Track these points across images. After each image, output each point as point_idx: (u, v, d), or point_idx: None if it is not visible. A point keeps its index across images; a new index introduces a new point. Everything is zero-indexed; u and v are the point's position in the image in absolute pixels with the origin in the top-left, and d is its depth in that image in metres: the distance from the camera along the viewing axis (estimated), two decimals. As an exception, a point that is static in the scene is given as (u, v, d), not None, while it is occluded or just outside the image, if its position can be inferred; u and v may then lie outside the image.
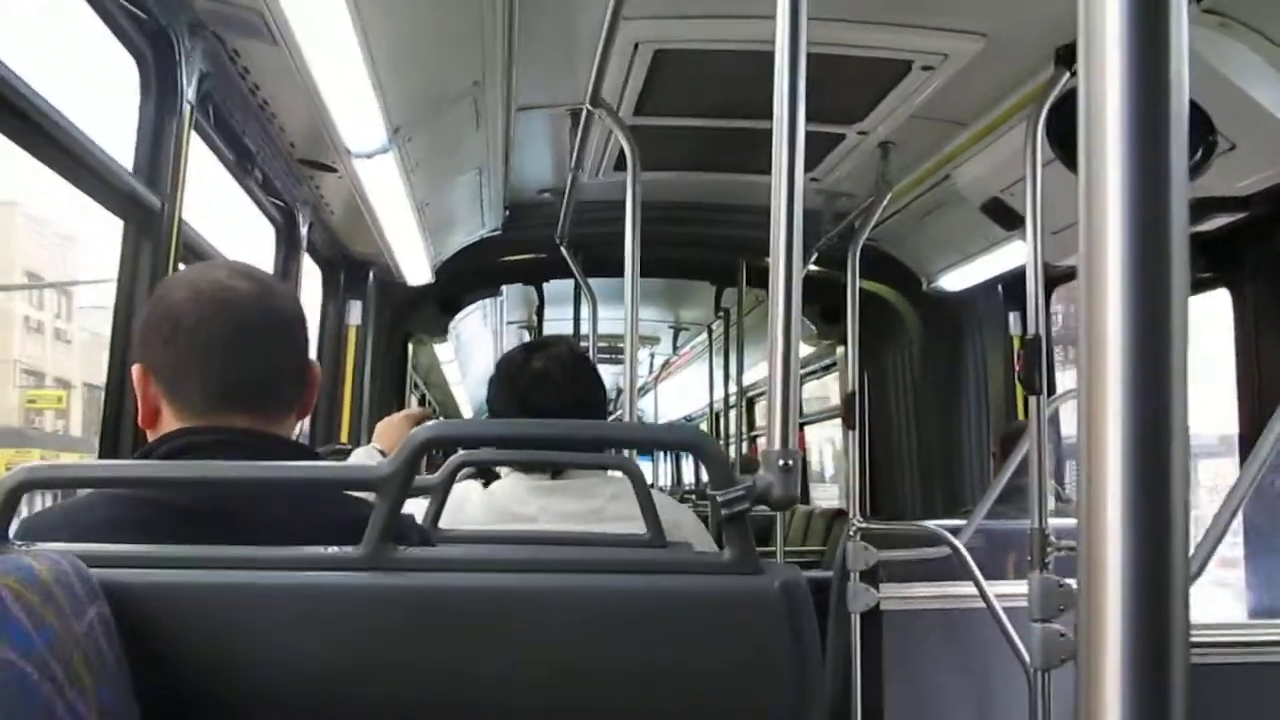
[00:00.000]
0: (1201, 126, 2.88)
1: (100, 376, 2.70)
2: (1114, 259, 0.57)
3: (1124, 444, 0.57)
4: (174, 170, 2.67)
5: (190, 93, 2.68)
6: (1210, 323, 3.95)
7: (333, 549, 1.37)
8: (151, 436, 1.65)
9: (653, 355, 11.50)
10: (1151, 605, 0.56)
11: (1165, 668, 0.57)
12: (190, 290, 1.64)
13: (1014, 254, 4.66)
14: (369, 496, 1.41)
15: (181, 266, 2.76)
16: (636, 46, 3.40)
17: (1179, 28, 0.59)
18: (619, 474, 2.33)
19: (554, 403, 2.48)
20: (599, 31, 2.87)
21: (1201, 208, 3.46)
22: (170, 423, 1.63)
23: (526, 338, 8.94)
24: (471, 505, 2.44)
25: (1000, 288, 5.40)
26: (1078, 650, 0.59)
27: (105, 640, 1.24)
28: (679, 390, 13.11)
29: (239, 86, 3.10)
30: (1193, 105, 2.58)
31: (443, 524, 2.24)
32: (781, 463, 1.35)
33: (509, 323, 8.84)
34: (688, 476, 13.11)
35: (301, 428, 4.29)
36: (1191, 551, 2.58)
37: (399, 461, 1.34)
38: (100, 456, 2.57)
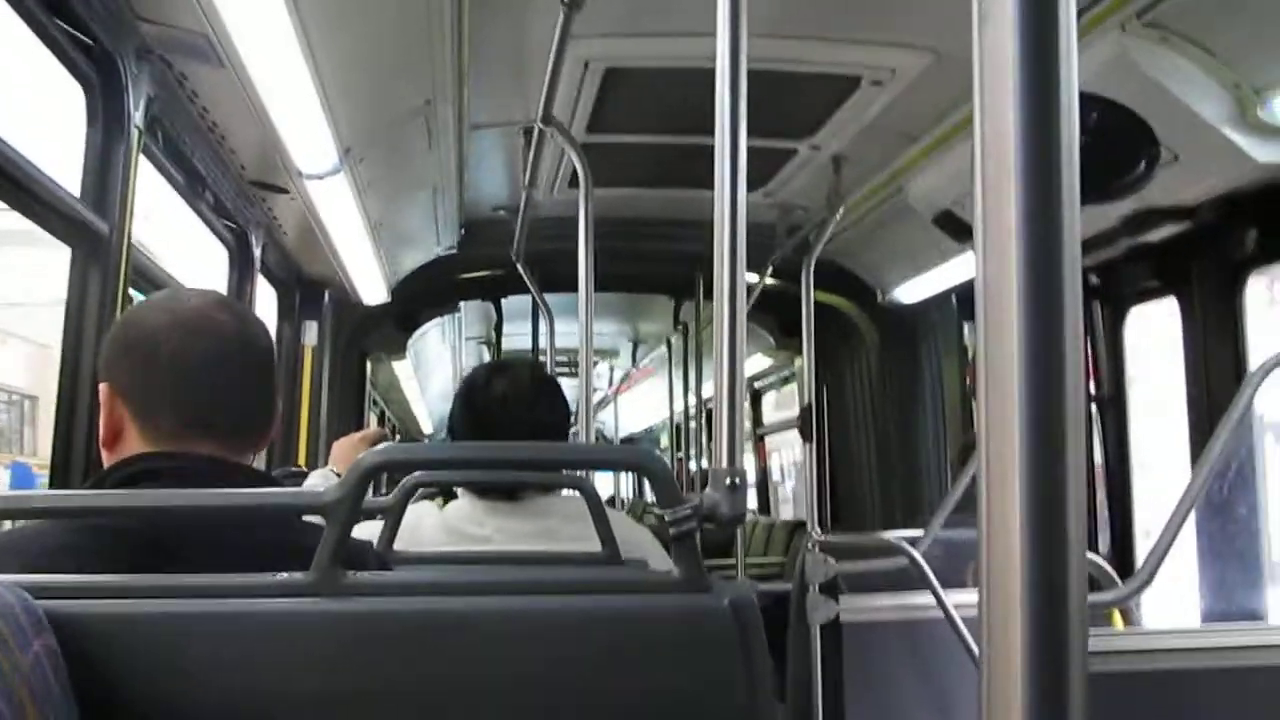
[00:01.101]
0: (1144, 138, 2.93)
1: None
2: (1010, 274, 0.59)
3: (1020, 456, 0.59)
4: (122, 195, 2.65)
5: (138, 117, 2.67)
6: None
7: (282, 575, 1.36)
8: (110, 458, 1.64)
9: (612, 368, 11.52)
10: (1049, 620, 0.58)
11: (1063, 678, 0.58)
12: (171, 316, 1.64)
13: (967, 266, 4.70)
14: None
15: (133, 292, 2.75)
16: (587, 65, 3.42)
17: (1069, 46, 0.60)
18: (575, 492, 2.33)
19: (515, 425, 2.49)
20: (549, 50, 2.88)
21: (1148, 218, 3.51)
22: (135, 445, 1.62)
23: (485, 353, 8.94)
24: (426, 527, 2.44)
25: (954, 299, 5.44)
26: (981, 659, 0.60)
27: (52, 672, 1.23)
28: (639, 402, 13.13)
29: (188, 110, 3.08)
30: (1134, 117, 2.64)
31: (398, 545, 2.24)
32: (728, 480, 1.37)
33: (468, 339, 8.83)
34: (650, 491, 13.11)
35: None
36: (1142, 559, 2.61)
37: (347, 486, 1.34)
38: (51, 483, 2.55)
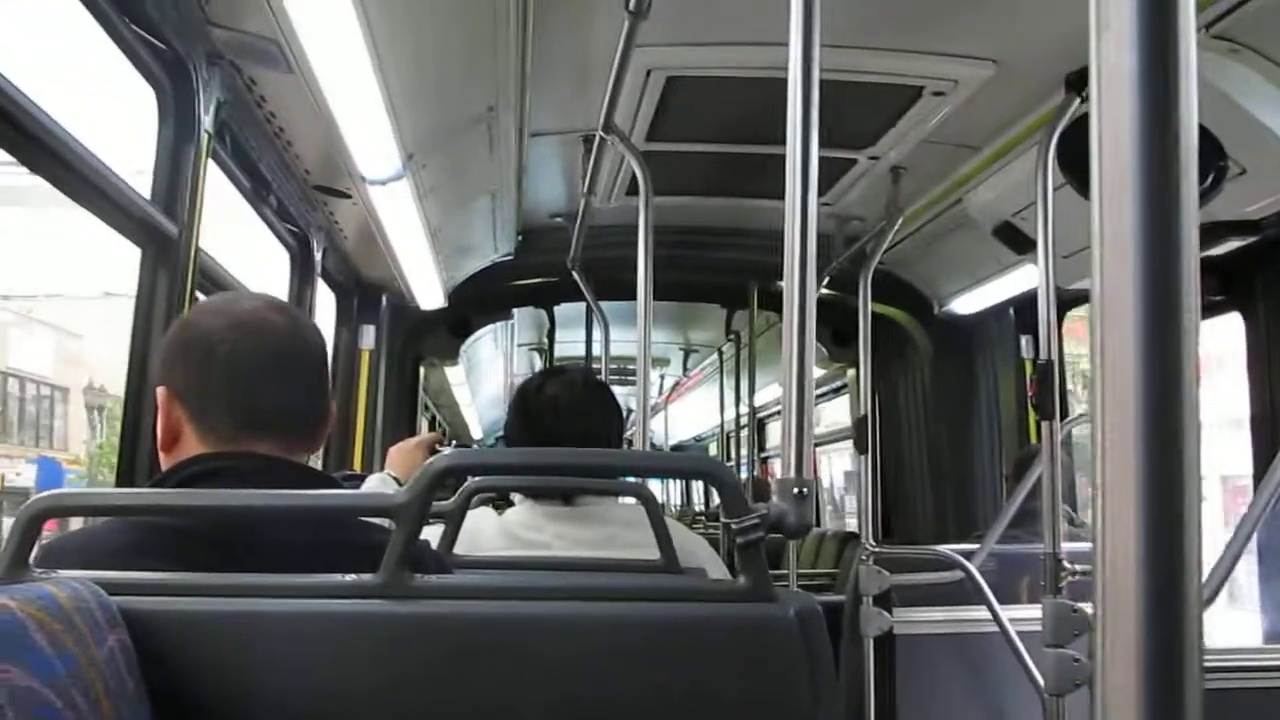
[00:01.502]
0: (1211, 151, 2.89)
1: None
2: (1128, 284, 0.58)
3: (1139, 468, 0.58)
4: (191, 198, 2.69)
5: (207, 121, 2.71)
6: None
7: (350, 576, 1.38)
8: (168, 461, 1.66)
9: (663, 376, 11.52)
10: (1166, 630, 0.57)
11: (1179, 693, 0.57)
12: (226, 318, 1.67)
13: (1025, 278, 4.67)
14: (385, 522, 1.42)
15: (199, 294, 2.78)
16: (649, 73, 3.43)
17: (1188, 57, 0.60)
18: (633, 499, 2.34)
19: (568, 431, 2.50)
20: (612, 58, 2.90)
21: (1212, 231, 3.47)
22: (192, 447, 1.64)
23: (537, 360, 8.97)
24: (485, 532, 2.45)
25: (1012, 311, 5.40)
26: (1094, 676, 0.60)
27: (125, 668, 1.25)
28: (689, 411, 13.12)
29: (255, 115, 3.12)
30: (1202, 130, 2.59)
31: (457, 550, 2.26)
32: (796, 490, 1.36)
33: (520, 345, 8.86)
34: (697, 499, 13.10)
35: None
36: (1205, 576, 2.58)
37: (416, 490, 1.36)
38: (117, 481, 2.59)
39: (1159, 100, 0.57)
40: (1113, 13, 0.57)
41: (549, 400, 2.56)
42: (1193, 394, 0.58)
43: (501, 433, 2.74)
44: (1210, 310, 4.05)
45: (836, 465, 9.95)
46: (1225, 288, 3.85)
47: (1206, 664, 1.92)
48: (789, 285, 1.44)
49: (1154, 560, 0.57)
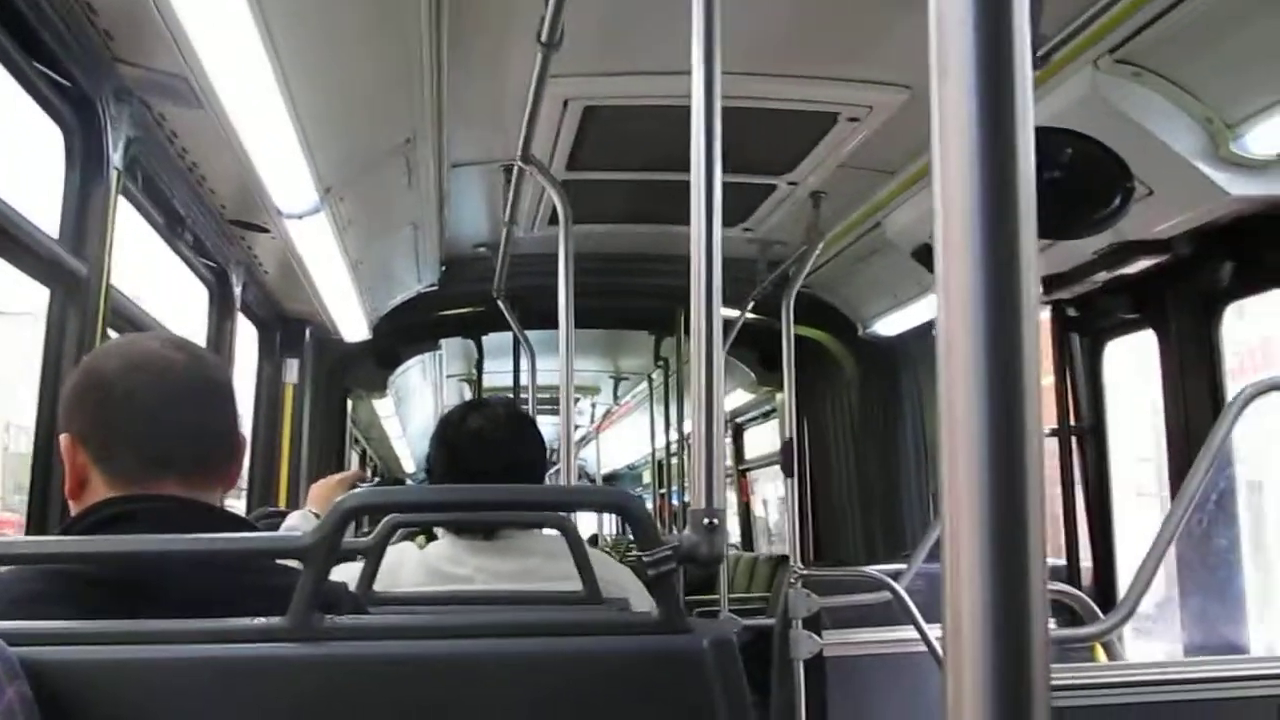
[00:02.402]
0: (1118, 173, 2.94)
1: None
2: (968, 318, 0.60)
3: (981, 479, 0.59)
4: (101, 236, 2.65)
5: (117, 159, 2.67)
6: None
7: (259, 620, 1.36)
8: (76, 507, 1.63)
9: (594, 405, 11.52)
10: (1012, 651, 0.58)
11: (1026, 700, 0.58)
12: (122, 360, 1.65)
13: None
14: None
15: (111, 332, 2.74)
16: (566, 103, 3.44)
17: (1024, 100, 0.61)
18: (555, 531, 2.33)
19: (491, 463, 2.49)
20: (528, 89, 2.90)
21: (1123, 251, 3.53)
22: (100, 491, 1.61)
23: (467, 391, 8.93)
24: (406, 566, 2.43)
25: (934, 331, 5.45)
26: (942, 680, 0.61)
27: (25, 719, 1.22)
28: (621, 439, 13.12)
29: (167, 151, 3.09)
30: (1109, 152, 2.65)
31: (379, 586, 2.23)
32: (706, 521, 1.37)
33: (449, 376, 8.82)
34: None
35: (237, 488, 4.24)
36: (1124, 592, 2.61)
37: (324, 530, 1.34)
38: (28, 529, 2.53)
39: (995, 146, 0.59)
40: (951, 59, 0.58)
41: (472, 433, 2.55)
42: (1034, 420, 0.59)
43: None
44: (1124, 328, 4.13)
45: (770, 491, 9.97)
46: (1138, 306, 3.92)
47: (1123, 679, 1.95)
48: (696, 311, 1.45)
49: (997, 585, 0.58)
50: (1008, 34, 0.58)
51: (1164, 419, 3.78)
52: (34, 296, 2.56)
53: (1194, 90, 2.97)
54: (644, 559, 1.36)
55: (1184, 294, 3.67)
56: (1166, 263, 3.56)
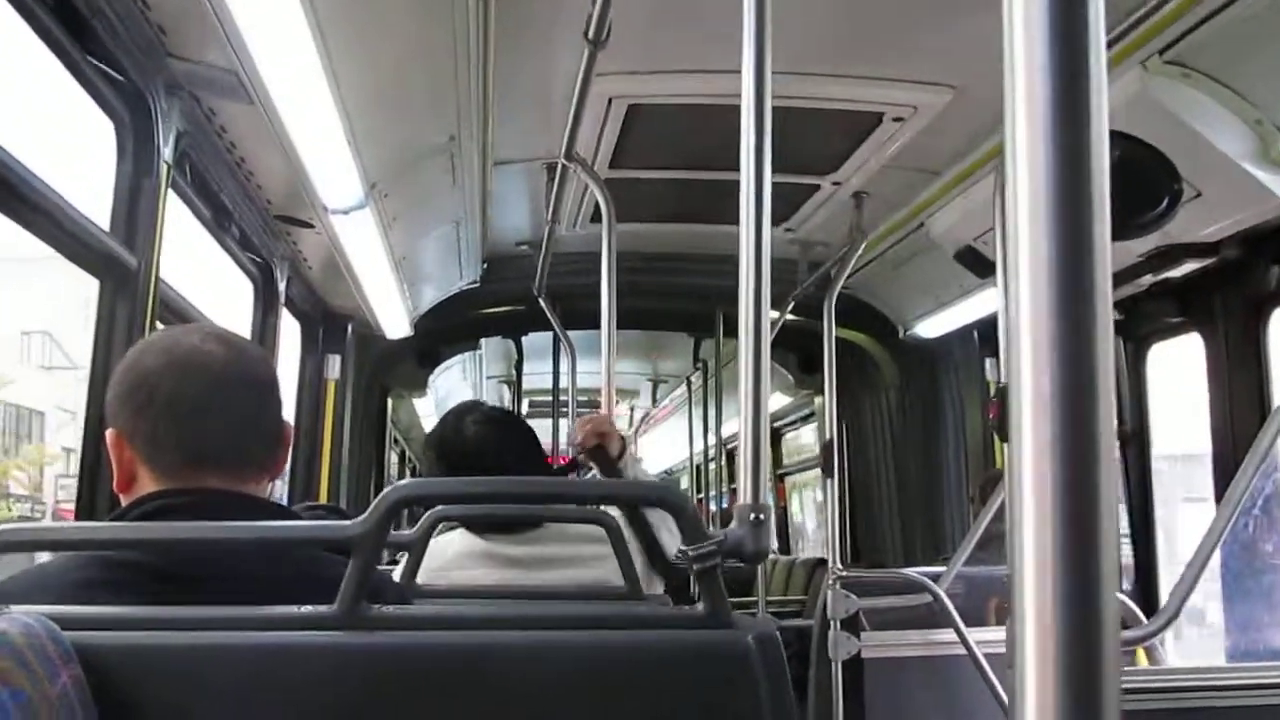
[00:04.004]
0: (1167, 175, 2.93)
1: None
2: (1042, 316, 0.59)
3: (1054, 490, 0.59)
4: (151, 229, 2.67)
5: (167, 152, 2.70)
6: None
7: (307, 608, 1.37)
8: (126, 500, 1.65)
9: (632, 408, 11.49)
10: (1082, 651, 0.58)
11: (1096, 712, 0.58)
12: (164, 356, 1.66)
13: (988, 301, 4.70)
14: None
15: (159, 325, 2.77)
16: (610, 102, 3.44)
17: (1099, 90, 0.61)
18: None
19: (486, 466, 2.54)
20: (573, 87, 2.91)
21: (1169, 254, 3.50)
22: (147, 485, 1.64)
23: (506, 392, 8.94)
24: (455, 543, 2.45)
25: (976, 334, 5.43)
26: (1012, 689, 0.60)
27: (79, 703, 1.24)
28: (659, 443, 13.10)
29: (216, 145, 3.11)
30: (1158, 154, 2.64)
31: (428, 566, 2.25)
32: (752, 516, 1.37)
33: (489, 377, 8.83)
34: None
35: (277, 484, 4.28)
36: (1167, 595, 2.59)
37: (372, 520, 1.35)
38: (76, 516, 2.56)
39: (1070, 132, 0.58)
40: (1022, 43, 0.58)
41: (469, 438, 2.60)
42: (1108, 421, 0.58)
43: None
44: (1170, 332, 4.09)
45: (806, 495, 9.95)
46: (1184, 309, 3.88)
47: (1167, 684, 1.94)
48: (745, 311, 1.45)
49: (1069, 583, 0.58)
50: (1082, 29, 0.57)
51: (1209, 423, 3.74)
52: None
53: (1244, 92, 2.95)
54: (689, 553, 1.36)
55: (1231, 297, 3.64)
56: (1214, 266, 3.53)
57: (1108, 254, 0.58)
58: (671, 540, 2.34)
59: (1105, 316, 0.58)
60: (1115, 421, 0.59)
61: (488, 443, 2.60)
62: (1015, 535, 0.60)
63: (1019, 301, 0.59)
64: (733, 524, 1.39)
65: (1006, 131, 0.59)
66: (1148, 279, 3.73)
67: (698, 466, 9.46)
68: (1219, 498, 3.65)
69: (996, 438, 5.16)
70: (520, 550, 2.45)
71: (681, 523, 1.40)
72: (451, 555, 2.43)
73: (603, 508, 2.34)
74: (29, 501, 26.40)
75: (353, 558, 1.35)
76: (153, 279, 2.69)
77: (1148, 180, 2.98)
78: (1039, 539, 0.58)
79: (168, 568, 1.52)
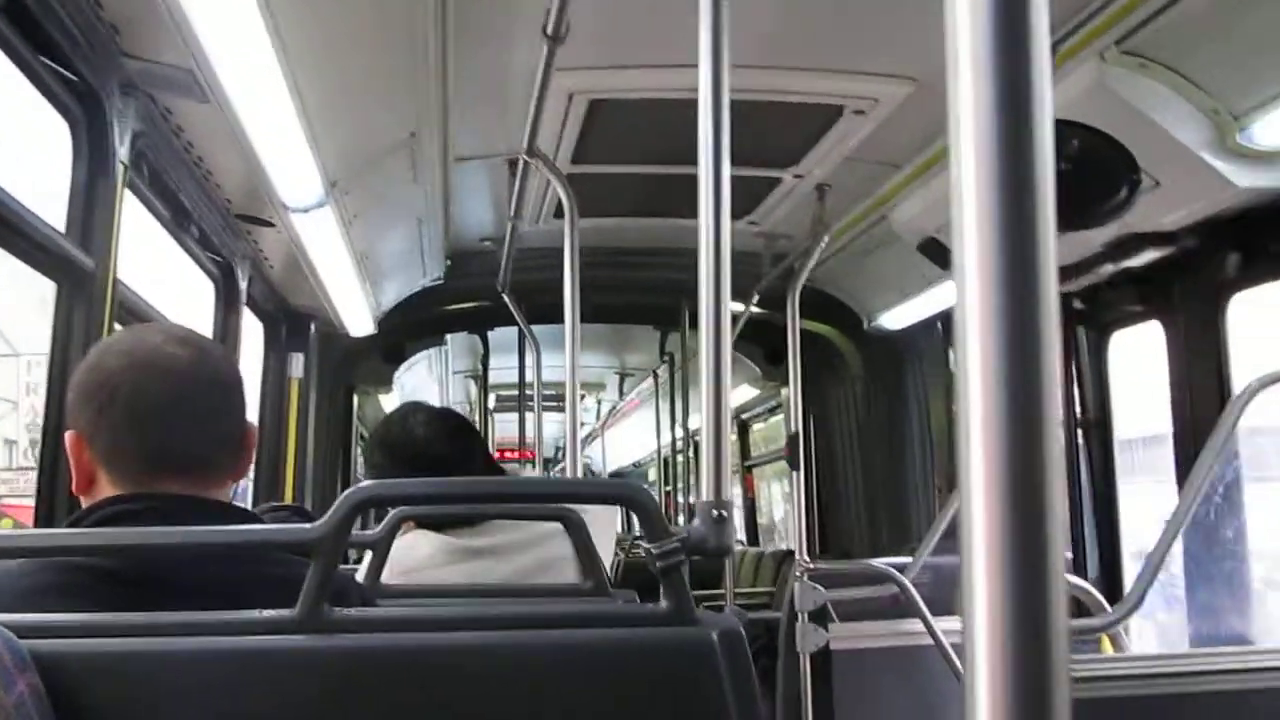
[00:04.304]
0: (1125, 164, 2.94)
1: None
2: (986, 306, 0.60)
3: (998, 486, 0.59)
4: (108, 230, 2.65)
5: (123, 153, 2.67)
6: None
7: (268, 612, 1.36)
8: (86, 502, 1.63)
9: (599, 402, 11.51)
10: (1032, 642, 0.58)
11: (1047, 703, 0.58)
12: (126, 358, 1.64)
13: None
14: None
15: (118, 326, 2.74)
16: (571, 97, 3.43)
17: (1042, 83, 0.61)
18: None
19: (434, 464, 2.58)
20: (533, 82, 2.90)
21: (1129, 244, 3.53)
22: (105, 489, 1.61)
23: (473, 387, 8.93)
24: (422, 545, 2.45)
25: (940, 325, 5.46)
26: (965, 680, 0.61)
27: (36, 712, 1.23)
28: (627, 436, 13.12)
29: (173, 145, 3.09)
30: (1115, 144, 2.65)
31: (399, 571, 2.25)
32: (715, 513, 1.37)
33: (455, 372, 8.82)
34: (637, 525, 13.10)
35: (241, 484, 4.25)
36: (1130, 583, 2.61)
37: (332, 522, 1.34)
38: (35, 523, 2.54)
39: (1014, 130, 0.58)
40: (967, 35, 0.58)
41: (423, 439, 2.66)
42: (1054, 410, 0.59)
43: None
44: (1130, 320, 4.12)
45: (774, 486, 9.98)
46: (1144, 298, 3.91)
47: (1130, 671, 1.95)
48: (705, 305, 1.45)
49: (1018, 578, 0.58)
50: (1024, 19, 0.57)
51: (1170, 410, 3.77)
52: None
53: (1200, 82, 2.97)
54: (652, 550, 1.36)
55: (1190, 286, 3.67)
56: (1173, 254, 3.55)
57: (1052, 243, 0.58)
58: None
59: (1050, 304, 0.59)
60: (1060, 408, 0.60)
61: (437, 442, 2.63)
62: (965, 522, 0.60)
63: (966, 291, 0.59)
64: (695, 520, 1.39)
65: (950, 123, 0.59)
66: (1108, 268, 3.76)
67: (665, 459, 9.47)
68: (1180, 484, 3.69)
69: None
70: (484, 541, 2.46)
71: (644, 520, 1.40)
72: (422, 556, 2.42)
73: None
74: (-50, 497, 25.39)
75: (314, 560, 1.34)
76: (110, 281, 2.67)
77: (1106, 170, 3.00)
78: (988, 524, 0.58)
79: (125, 572, 1.50)
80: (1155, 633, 4.33)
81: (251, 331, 4.72)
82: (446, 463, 2.54)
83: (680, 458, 8.42)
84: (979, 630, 0.58)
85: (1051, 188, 0.58)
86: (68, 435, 1.63)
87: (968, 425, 0.59)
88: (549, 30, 2.61)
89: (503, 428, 9.29)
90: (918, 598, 3.34)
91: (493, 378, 7.36)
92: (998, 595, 0.58)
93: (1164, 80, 2.97)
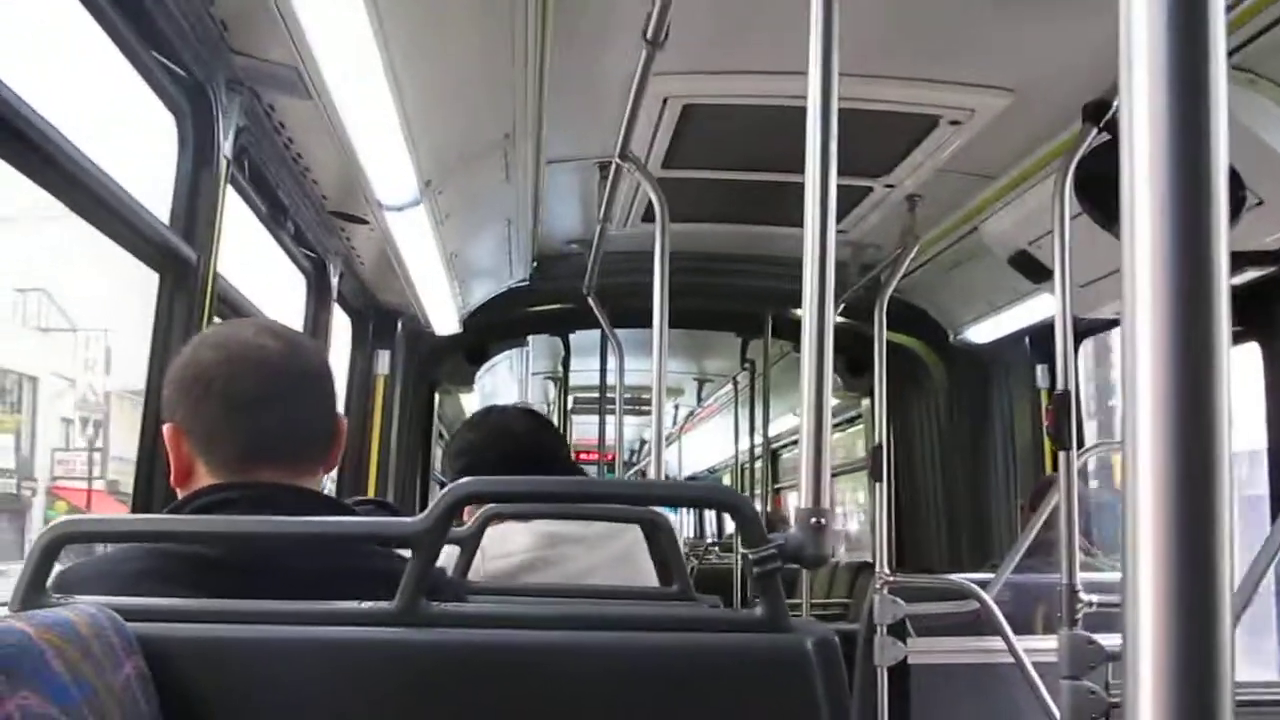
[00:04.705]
0: (1231, 182, 2.88)
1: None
2: (1156, 315, 0.59)
3: (1166, 501, 0.58)
4: (210, 223, 2.70)
5: (227, 147, 2.72)
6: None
7: (367, 604, 1.37)
8: (183, 493, 1.67)
9: (677, 407, 11.50)
10: (1195, 664, 0.57)
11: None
12: (220, 351, 1.68)
13: (1041, 307, 4.66)
14: None
15: (216, 319, 2.79)
16: (665, 101, 3.43)
17: (1218, 86, 0.60)
18: None
19: (547, 461, 2.67)
20: (629, 86, 2.91)
21: (1231, 262, 3.46)
22: (203, 479, 1.65)
23: (552, 388, 8.96)
24: (517, 534, 2.48)
25: (1027, 340, 5.39)
26: (1124, 709, 0.59)
27: (142, 694, 1.25)
28: (703, 442, 13.11)
29: (274, 141, 3.14)
30: (1222, 161, 2.58)
31: (491, 550, 2.27)
32: (813, 521, 1.36)
33: (534, 373, 8.86)
34: (709, 530, 13.09)
35: (326, 479, 4.30)
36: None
37: (434, 517, 1.35)
38: (133, 509, 2.59)
39: (1189, 130, 0.57)
40: (1141, 45, 0.57)
41: (524, 436, 2.75)
42: (1224, 430, 0.57)
43: None
44: (1230, 340, 4.04)
45: (848, 497, 9.92)
46: (1243, 318, 3.83)
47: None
48: (808, 313, 1.44)
49: (1185, 592, 0.57)
50: (1204, 33, 0.56)
51: (1267, 432, 3.69)
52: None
53: (1310, 99, 2.91)
54: (749, 556, 1.36)
55: (1292, 307, 3.59)
56: (1275, 274, 3.48)
57: (1225, 259, 0.57)
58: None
59: (1223, 320, 0.58)
60: (1229, 426, 0.59)
61: (527, 437, 2.72)
62: (1129, 541, 0.59)
63: (1135, 305, 0.58)
64: (792, 528, 1.38)
65: (1123, 141, 0.58)
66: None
67: (743, 466, 9.44)
68: (1275, 510, 3.61)
69: (1047, 444, 5.12)
70: (575, 529, 2.50)
71: (743, 526, 1.39)
72: (519, 544, 2.45)
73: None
74: (12, 476, 24.83)
75: (413, 554, 1.36)
76: (211, 273, 2.71)
77: (1211, 187, 2.95)
78: (1156, 545, 0.57)
79: (225, 560, 1.53)
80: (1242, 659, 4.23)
81: (340, 327, 4.78)
82: (539, 459, 2.58)
83: (758, 464, 8.39)
84: (1144, 659, 0.57)
85: (1225, 197, 0.57)
86: (166, 427, 1.67)
87: (1134, 443, 0.58)
88: (649, 35, 2.61)
89: (580, 429, 9.33)
90: (999, 615, 3.30)
91: (573, 380, 7.38)
92: (1164, 617, 0.56)
93: (1272, 96, 2.91)
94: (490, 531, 2.25)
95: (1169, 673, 0.56)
